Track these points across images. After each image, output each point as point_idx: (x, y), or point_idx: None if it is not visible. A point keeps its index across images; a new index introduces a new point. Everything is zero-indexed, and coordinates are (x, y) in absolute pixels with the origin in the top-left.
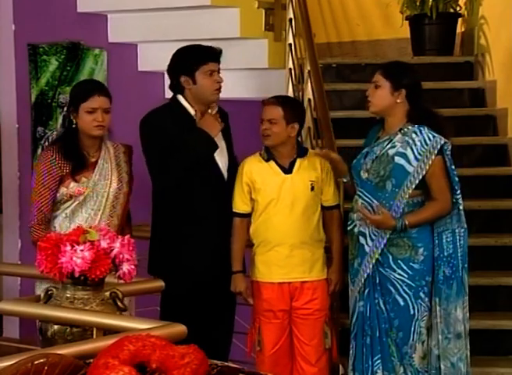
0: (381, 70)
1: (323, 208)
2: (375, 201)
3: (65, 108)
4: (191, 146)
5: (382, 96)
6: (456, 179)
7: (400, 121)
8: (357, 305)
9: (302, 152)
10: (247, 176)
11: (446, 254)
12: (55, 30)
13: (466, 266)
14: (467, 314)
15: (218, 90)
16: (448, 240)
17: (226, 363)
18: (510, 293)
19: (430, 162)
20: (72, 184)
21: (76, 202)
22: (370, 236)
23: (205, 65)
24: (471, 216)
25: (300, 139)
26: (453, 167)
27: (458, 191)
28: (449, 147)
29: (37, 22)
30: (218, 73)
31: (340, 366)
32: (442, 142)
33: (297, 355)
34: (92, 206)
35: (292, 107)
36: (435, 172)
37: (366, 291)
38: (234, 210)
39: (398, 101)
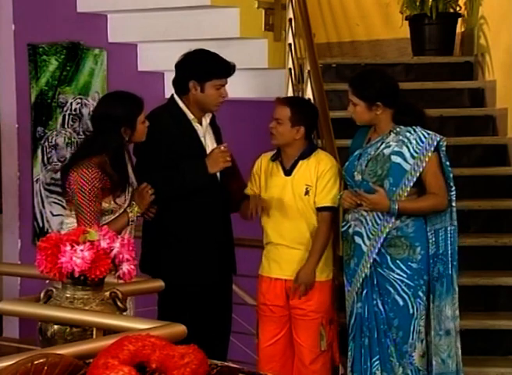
0: (351, 89)
1: (316, 209)
2: None
3: (95, 125)
4: (184, 172)
5: (360, 113)
6: (451, 175)
7: (387, 126)
8: (354, 306)
9: (306, 153)
10: (257, 167)
11: (440, 251)
12: (55, 30)
13: (455, 263)
14: (457, 312)
15: (221, 103)
16: (442, 237)
17: (226, 363)
18: (510, 293)
19: (427, 159)
20: (118, 199)
21: (116, 214)
22: (367, 235)
23: (218, 79)
24: (471, 216)
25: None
26: (448, 163)
27: (453, 188)
28: (444, 143)
29: (37, 22)
30: (224, 85)
31: (340, 366)
32: (438, 139)
33: (296, 354)
34: None
35: (300, 109)
36: (431, 168)
37: (364, 292)
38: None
39: (378, 113)
